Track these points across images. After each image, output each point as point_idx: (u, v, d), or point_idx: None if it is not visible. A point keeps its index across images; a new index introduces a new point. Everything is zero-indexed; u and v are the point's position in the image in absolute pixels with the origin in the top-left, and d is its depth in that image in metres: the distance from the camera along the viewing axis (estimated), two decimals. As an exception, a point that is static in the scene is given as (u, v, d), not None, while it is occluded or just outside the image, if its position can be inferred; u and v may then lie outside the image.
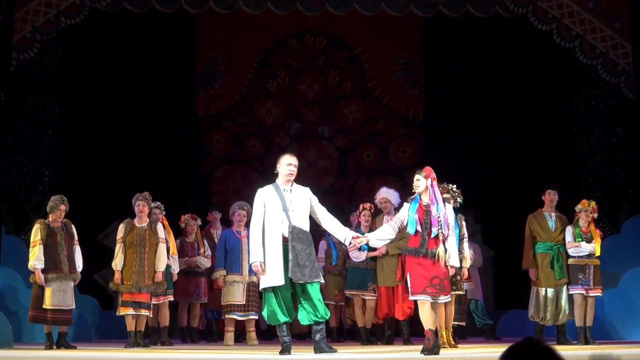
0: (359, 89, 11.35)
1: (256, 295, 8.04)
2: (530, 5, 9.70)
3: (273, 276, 5.87)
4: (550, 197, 7.95)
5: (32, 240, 7.46)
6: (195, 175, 11.02)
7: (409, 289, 6.04)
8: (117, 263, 7.46)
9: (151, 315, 7.71)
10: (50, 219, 7.49)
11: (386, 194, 8.14)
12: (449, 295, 6.24)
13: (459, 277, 7.31)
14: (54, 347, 7.37)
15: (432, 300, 5.97)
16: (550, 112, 10.31)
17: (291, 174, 6.03)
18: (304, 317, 5.90)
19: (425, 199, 6.07)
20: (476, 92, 10.66)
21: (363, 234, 6.74)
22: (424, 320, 5.98)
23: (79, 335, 8.56)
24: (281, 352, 5.90)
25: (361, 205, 8.20)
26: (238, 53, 11.26)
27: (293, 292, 6.01)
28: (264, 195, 6.06)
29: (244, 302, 8.02)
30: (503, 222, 9.89)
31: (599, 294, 7.78)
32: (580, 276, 7.70)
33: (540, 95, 10.34)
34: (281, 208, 5.94)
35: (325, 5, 9.71)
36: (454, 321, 7.50)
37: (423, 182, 6.06)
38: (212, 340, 8.75)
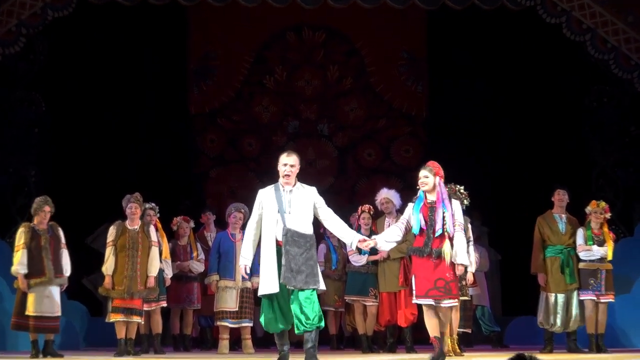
0: (360, 84, 11.35)
1: (250, 301, 8.04)
2: (538, -3, 9.71)
3: (267, 283, 5.85)
4: (560, 196, 7.95)
5: (15, 244, 7.47)
6: (188, 175, 11.02)
7: (414, 292, 6.04)
8: (108, 267, 7.43)
9: (143, 322, 7.71)
10: (35, 221, 7.49)
11: (387, 194, 8.15)
12: (456, 300, 6.15)
13: (464, 282, 7.31)
14: (40, 355, 7.37)
15: (435, 304, 5.94)
16: (560, 109, 10.32)
17: (287, 175, 6.00)
18: (297, 325, 5.87)
19: (430, 197, 6.06)
20: (482, 88, 10.66)
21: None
22: (427, 327, 5.99)
23: (67, 343, 8.56)
24: (278, 362, 5.90)
25: (360, 208, 8.20)
26: (233, 47, 11.25)
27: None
28: (262, 196, 6.07)
29: (237, 309, 8.01)
30: (511, 224, 9.90)
31: (611, 300, 7.79)
32: (592, 281, 7.71)
33: (549, 92, 10.35)
34: (276, 209, 5.92)
35: (324, -4, 9.71)
36: (459, 328, 7.51)
37: (431, 179, 6.05)
38: (206, 349, 8.74)
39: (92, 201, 9.96)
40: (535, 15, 9.79)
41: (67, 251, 7.63)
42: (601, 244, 7.75)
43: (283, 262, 5.79)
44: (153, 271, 7.57)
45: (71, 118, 10.29)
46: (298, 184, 6.07)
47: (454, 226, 6.00)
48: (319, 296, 5.97)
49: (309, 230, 5.94)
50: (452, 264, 5.96)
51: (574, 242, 7.85)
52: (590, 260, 7.77)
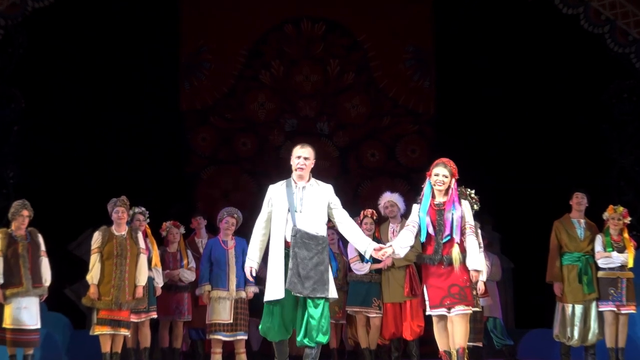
0: (363, 80, 11.34)
1: (245, 312, 8.00)
2: (554, -14, 9.69)
3: (273, 288, 5.74)
4: (578, 199, 7.94)
5: (-9, 252, 7.43)
6: (178, 177, 11.00)
7: (427, 304, 5.94)
8: (93, 276, 7.40)
9: (130, 335, 7.67)
10: (12, 227, 7.46)
11: (391, 197, 8.12)
12: (470, 307, 6.01)
13: (475, 292, 7.23)
14: (19, 370, 7.34)
15: (447, 314, 5.85)
16: (577, 105, 10.27)
17: (301, 168, 5.86)
18: (298, 335, 5.77)
19: (439, 198, 5.97)
20: (494, 84, 10.62)
21: None
22: (437, 340, 5.91)
23: (48, 358, 8.53)
24: (274, 376, 5.83)
25: (362, 212, 8.15)
26: (226, 40, 11.25)
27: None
28: (272, 192, 5.94)
29: (232, 321, 7.96)
30: (525, 229, 9.86)
31: (632, 311, 7.75)
32: (612, 291, 7.69)
33: (566, 87, 10.31)
34: (286, 208, 5.80)
35: (324, -14, 9.72)
36: (469, 341, 7.44)
37: (448, 180, 5.95)
38: (197, 363, 8.72)
39: (75, 205, 9.92)
40: (550, 5, 9.77)
41: (47, 259, 7.58)
42: (621, 250, 7.73)
43: (290, 265, 5.68)
44: (142, 280, 7.54)
45: (53, 115, 10.27)
46: (312, 180, 5.95)
47: (465, 229, 5.91)
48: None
49: (321, 231, 5.81)
50: (466, 269, 5.87)
51: (593, 249, 7.82)
52: (610, 269, 7.75)
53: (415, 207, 6.08)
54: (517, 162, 10.54)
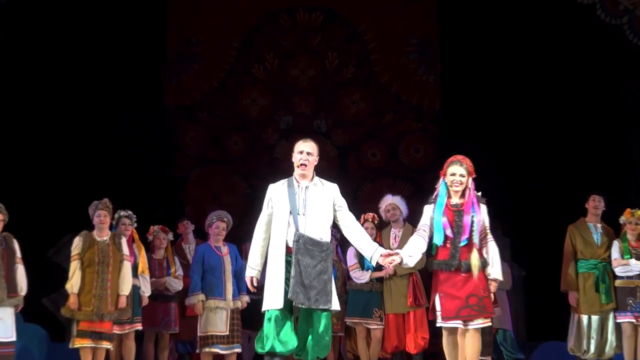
0: (363, 74, 11.37)
1: (240, 323, 8.01)
2: (568, -26, 9.70)
3: (271, 297, 5.68)
4: (595, 203, 7.94)
5: (-38, 259, 7.41)
6: (164, 178, 10.99)
7: (438, 315, 5.80)
8: (73, 284, 7.38)
9: (112, 348, 7.65)
10: (-15, 232, 7.45)
11: (393, 200, 8.12)
12: (489, 320, 5.91)
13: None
14: (-8, 386, 7.32)
15: (463, 327, 5.74)
16: (593, 103, 10.30)
17: (304, 165, 5.77)
18: (296, 348, 5.74)
19: (455, 199, 5.87)
20: (503, 78, 10.63)
21: None
22: (447, 355, 5.82)
23: (24, 372, 8.51)
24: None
25: (362, 216, 8.12)
26: (217, 31, 11.27)
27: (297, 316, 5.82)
28: (271, 192, 5.86)
29: (228, 333, 7.94)
30: (537, 235, 9.87)
31: (652, 323, 7.75)
32: (630, 301, 7.70)
33: (580, 83, 10.33)
34: (288, 210, 5.72)
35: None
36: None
37: (466, 179, 5.85)
38: (185, 379, 8.71)
39: (54, 208, 9.92)
40: (564, -7, 9.78)
41: (24, 266, 7.55)
42: (640, 257, 7.73)
43: (292, 273, 5.59)
44: (125, 289, 7.53)
45: (29, 111, 10.28)
46: (316, 178, 5.88)
47: (486, 234, 5.81)
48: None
49: (326, 236, 5.75)
50: (484, 278, 5.78)
51: (610, 256, 7.82)
52: (628, 277, 7.76)
53: (427, 208, 5.95)
54: (529, 161, 10.55)
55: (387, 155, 11.34)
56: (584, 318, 7.84)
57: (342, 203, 5.88)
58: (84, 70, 10.48)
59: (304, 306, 5.61)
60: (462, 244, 5.76)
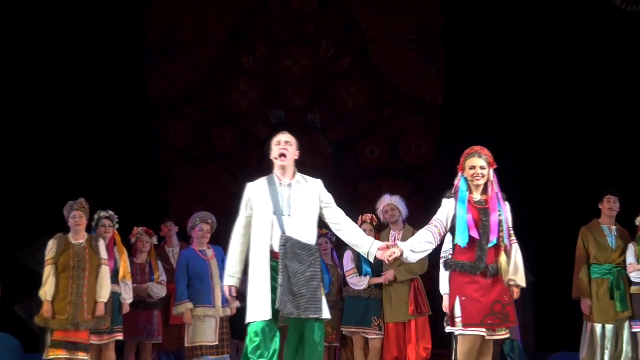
0: (361, 65, 11.41)
1: (228, 332, 8.00)
2: (581, -42, 9.72)
3: (257, 308, 5.58)
4: (610, 204, 7.93)
5: None
6: (146, 176, 10.99)
7: (458, 321, 5.60)
8: (47, 291, 7.35)
9: (90, 360, 7.64)
10: (-47, 234, 7.42)
11: (392, 200, 8.13)
12: (508, 330, 5.80)
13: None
14: (-39, 401, 7.29)
15: (487, 336, 5.60)
16: (607, 96, 10.29)
17: (283, 154, 5.67)
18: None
19: (477, 195, 5.70)
20: (511, 70, 10.64)
21: None
22: None
23: (-6, 386, 8.50)
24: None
25: (360, 217, 8.11)
26: (204, 18, 11.31)
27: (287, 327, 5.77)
28: (251, 192, 5.77)
29: (217, 342, 7.94)
30: (547, 238, 9.88)
31: (670, 333, 7.77)
32: (646, 309, 7.70)
33: (594, 75, 10.33)
34: (271, 210, 5.64)
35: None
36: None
37: (487, 172, 5.71)
38: (168, 392, 8.72)
39: (26, 209, 9.92)
40: (577, -22, 9.80)
41: (-6, 272, 7.55)
42: (656, 262, 7.75)
43: (280, 281, 5.51)
44: (103, 296, 7.49)
45: (1, 105, 10.18)
46: (298, 175, 5.81)
47: (509, 235, 5.69)
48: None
49: (312, 239, 5.67)
50: (509, 284, 5.66)
51: (625, 261, 7.84)
52: (644, 283, 7.75)
53: (447, 202, 5.73)
54: (538, 160, 10.56)
55: (386, 152, 11.36)
56: (598, 327, 7.85)
57: (328, 199, 5.79)
58: (59, 61, 10.47)
59: (292, 316, 5.53)
60: (491, 245, 5.60)
